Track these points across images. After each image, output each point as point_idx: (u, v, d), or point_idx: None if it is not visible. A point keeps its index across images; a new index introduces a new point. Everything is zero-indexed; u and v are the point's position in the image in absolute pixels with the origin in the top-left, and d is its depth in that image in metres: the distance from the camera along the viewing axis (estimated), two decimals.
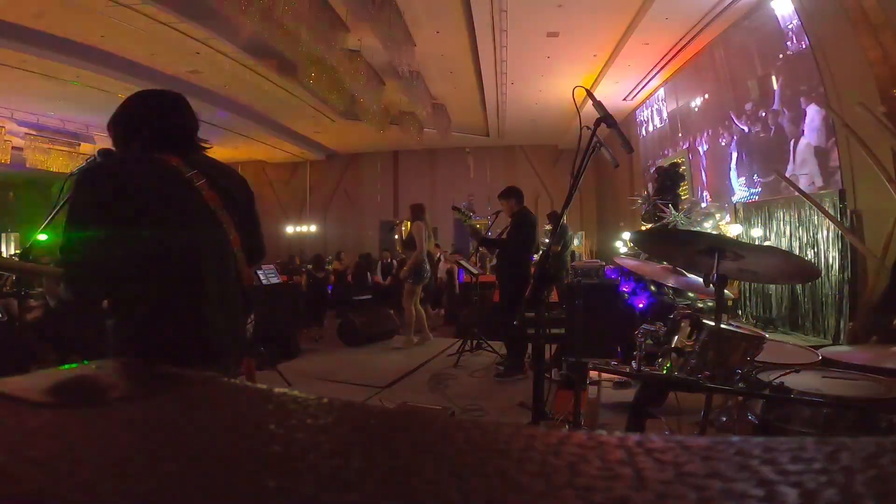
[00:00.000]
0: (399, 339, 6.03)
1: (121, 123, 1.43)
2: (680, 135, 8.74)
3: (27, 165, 10.67)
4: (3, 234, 15.01)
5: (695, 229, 5.02)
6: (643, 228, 6.09)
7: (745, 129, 6.61)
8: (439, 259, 8.93)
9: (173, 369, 0.49)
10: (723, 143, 7.27)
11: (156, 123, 1.42)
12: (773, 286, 5.74)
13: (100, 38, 6.95)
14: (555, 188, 13.84)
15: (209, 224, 1.38)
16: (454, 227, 13.56)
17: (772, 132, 6.02)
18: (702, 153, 8.00)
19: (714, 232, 5.28)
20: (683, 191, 7.17)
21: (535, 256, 5.50)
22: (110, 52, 7.41)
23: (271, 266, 6.18)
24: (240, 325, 1.47)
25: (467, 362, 4.98)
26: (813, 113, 5.28)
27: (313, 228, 15.52)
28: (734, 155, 6.99)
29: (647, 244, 2.31)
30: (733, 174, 7.02)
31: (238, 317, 1.45)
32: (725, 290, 1.70)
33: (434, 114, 10.30)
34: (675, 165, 5.77)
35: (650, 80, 8.78)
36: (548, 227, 8.89)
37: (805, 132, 5.41)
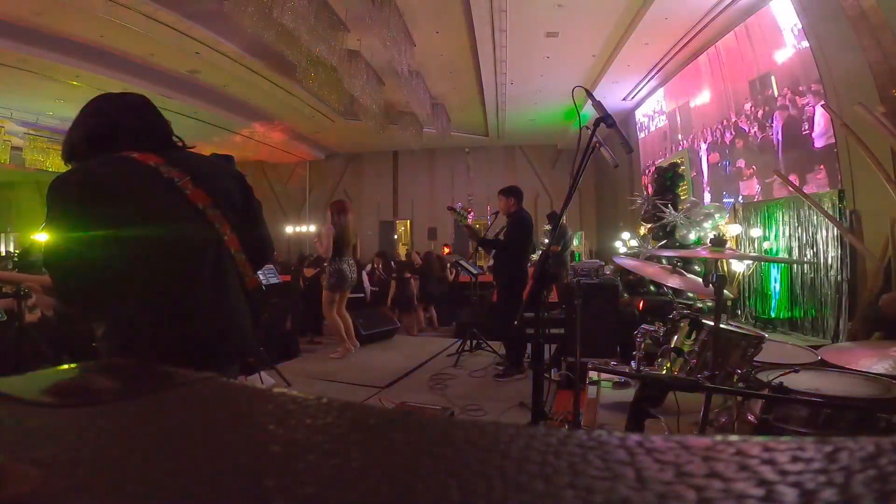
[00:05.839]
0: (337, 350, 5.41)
1: (90, 127, 1.33)
2: (680, 135, 8.74)
3: (26, 165, 10.67)
4: (3, 234, 15.01)
5: (695, 229, 5.03)
6: (643, 228, 6.09)
7: (745, 129, 6.62)
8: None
9: (172, 369, 0.49)
10: (722, 143, 7.27)
11: (132, 123, 1.33)
12: (772, 286, 5.75)
13: (99, 37, 6.94)
14: (554, 188, 13.84)
15: (196, 225, 1.28)
16: (454, 228, 13.56)
17: (771, 132, 6.02)
18: (702, 153, 8.01)
19: (713, 232, 5.28)
20: (683, 191, 7.18)
21: (534, 256, 5.50)
22: (110, 52, 7.41)
23: (271, 266, 6.16)
24: (241, 330, 1.35)
25: (467, 362, 4.98)
26: (812, 113, 5.28)
27: (313, 228, 15.53)
28: (734, 155, 6.99)
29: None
30: (733, 174, 7.02)
31: (239, 321, 1.35)
32: (725, 290, 1.70)
33: (434, 114, 10.29)
34: (675, 165, 5.77)
35: (650, 80, 8.78)
36: (547, 227, 8.90)
37: (804, 132, 5.41)
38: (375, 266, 8.89)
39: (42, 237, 1.21)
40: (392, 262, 9.05)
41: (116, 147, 1.29)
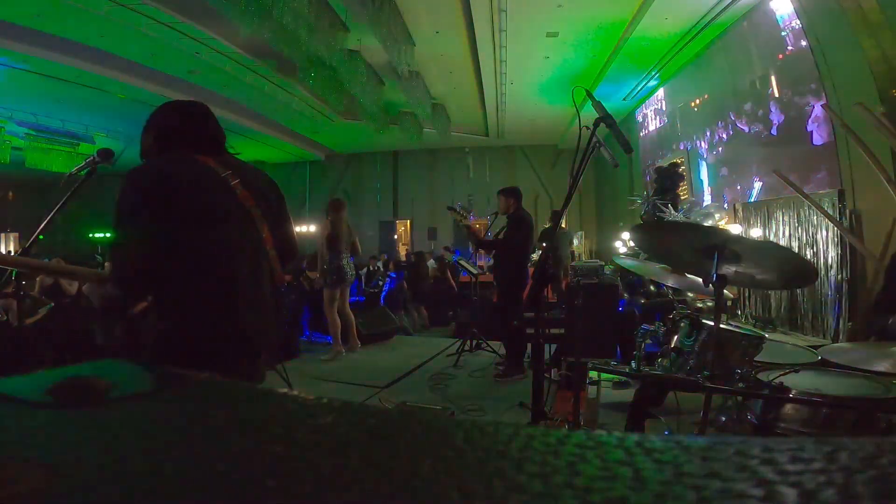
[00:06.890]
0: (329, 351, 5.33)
1: (159, 128, 1.48)
2: (680, 135, 8.74)
3: (26, 165, 10.68)
4: (3, 234, 15.01)
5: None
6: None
7: (745, 128, 6.61)
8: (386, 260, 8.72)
9: (175, 370, 0.49)
10: (722, 143, 7.27)
11: (196, 128, 1.48)
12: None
13: (99, 38, 6.94)
14: (554, 188, 13.84)
15: (244, 223, 1.41)
16: (454, 228, 13.55)
17: (771, 132, 6.02)
18: (702, 153, 8.01)
19: None
20: (683, 191, 7.18)
21: (535, 256, 5.50)
22: (110, 52, 7.41)
23: None
24: (272, 324, 1.48)
25: (467, 362, 4.97)
26: (812, 113, 5.28)
27: (313, 228, 15.54)
28: (733, 155, 6.99)
29: (646, 241, 2.29)
30: (731, 174, 7.02)
31: (270, 315, 1.47)
32: (724, 291, 1.70)
33: (434, 114, 10.30)
34: (675, 165, 5.78)
35: (650, 80, 8.78)
36: (547, 226, 8.91)
37: (804, 132, 5.41)
38: (373, 267, 8.88)
39: (111, 223, 1.31)
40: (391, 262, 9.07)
41: (180, 148, 1.44)
